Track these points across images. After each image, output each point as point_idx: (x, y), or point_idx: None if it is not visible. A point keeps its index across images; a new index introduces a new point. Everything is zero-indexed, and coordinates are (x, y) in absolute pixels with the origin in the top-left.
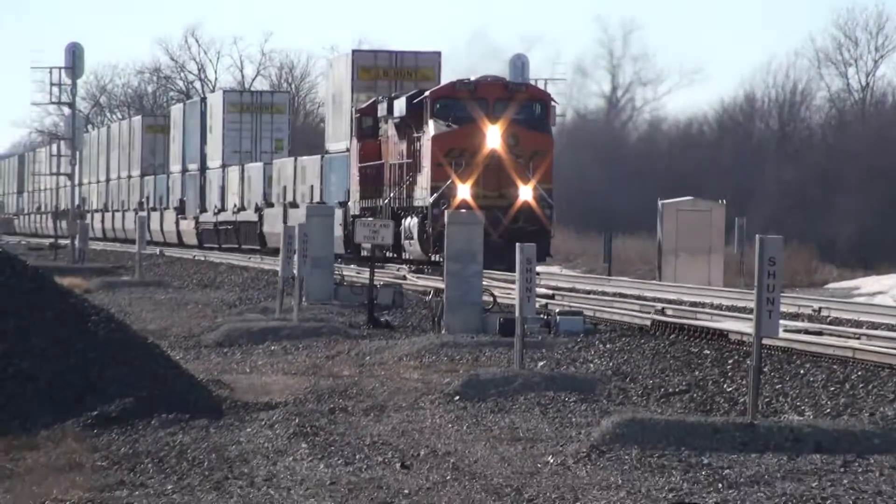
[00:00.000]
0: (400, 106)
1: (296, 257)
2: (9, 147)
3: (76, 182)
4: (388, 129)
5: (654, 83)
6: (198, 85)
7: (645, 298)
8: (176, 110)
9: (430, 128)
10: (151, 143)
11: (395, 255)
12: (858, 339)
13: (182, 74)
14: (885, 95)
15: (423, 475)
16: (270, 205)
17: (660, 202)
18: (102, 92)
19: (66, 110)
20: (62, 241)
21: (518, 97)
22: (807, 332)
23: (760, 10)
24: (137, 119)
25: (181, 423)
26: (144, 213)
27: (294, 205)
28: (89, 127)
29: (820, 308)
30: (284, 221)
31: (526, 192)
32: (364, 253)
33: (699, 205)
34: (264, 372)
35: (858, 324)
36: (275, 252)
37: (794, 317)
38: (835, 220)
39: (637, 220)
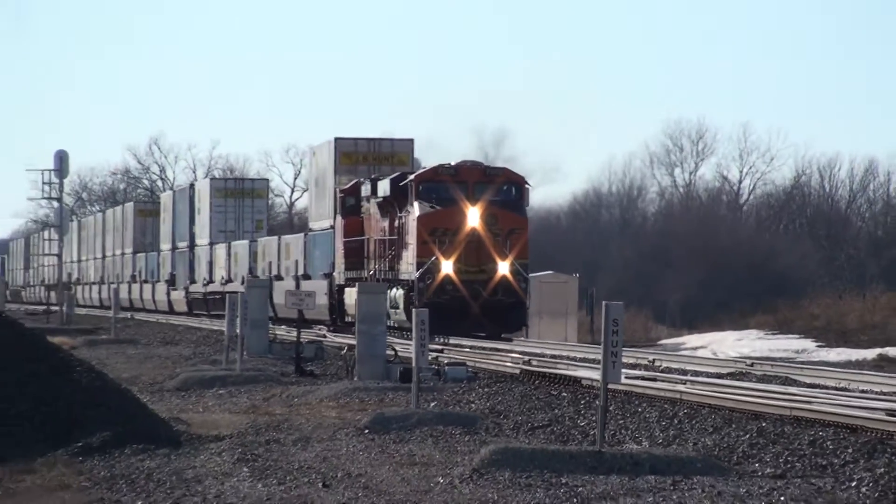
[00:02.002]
0: (384, 187)
1: (238, 320)
2: (9, 234)
3: (64, 260)
4: (371, 208)
5: None
6: (160, 184)
7: (515, 352)
8: (166, 197)
9: (416, 208)
10: (142, 225)
11: None
12: (685, 384)
13: (147, 175)
14: (704, 191)
15: (339, 493)
16: (256, 277)
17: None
18: (84, 189)
19: (55, 204)
20: (53, 308)
21: (496, 180)
22: (643, 378)
23: (607, 119)
24: (130, 205)
25: (148, 452)
26: (115, 285)
27: (279, 277)
28: (73, 216)
29: (654, 359)
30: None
31: (504, 267)
32: (348, 319)
33: (558, 277)
34: (213, 411)
35: (684, 372)
36: None
37: (634, 366)
38: (665, 290)
39: None
